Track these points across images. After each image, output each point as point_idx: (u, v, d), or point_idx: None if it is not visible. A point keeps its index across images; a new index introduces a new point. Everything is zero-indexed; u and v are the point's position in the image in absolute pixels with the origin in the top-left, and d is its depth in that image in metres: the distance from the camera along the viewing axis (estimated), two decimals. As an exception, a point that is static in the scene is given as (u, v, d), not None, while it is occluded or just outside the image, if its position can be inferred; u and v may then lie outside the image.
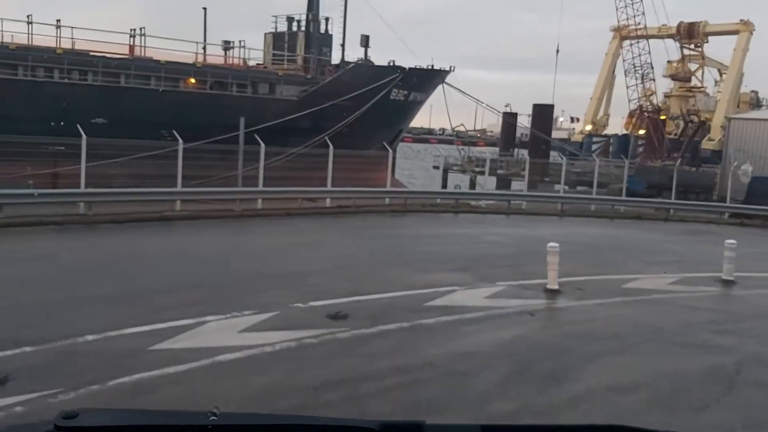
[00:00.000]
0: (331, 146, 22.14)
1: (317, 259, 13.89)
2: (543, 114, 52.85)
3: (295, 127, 32.26)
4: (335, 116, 34.66)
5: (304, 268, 12.76)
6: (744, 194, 30.68)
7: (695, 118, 50.79)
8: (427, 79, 41.51)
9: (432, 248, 15.96)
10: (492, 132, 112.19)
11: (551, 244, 11.89)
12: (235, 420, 1.76)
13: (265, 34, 43.06)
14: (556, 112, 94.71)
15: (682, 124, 60.63)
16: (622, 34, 59.95)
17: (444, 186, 53.32)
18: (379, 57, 41.27)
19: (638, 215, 26.90)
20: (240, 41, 38.02)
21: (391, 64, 40.63)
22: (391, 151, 26.85)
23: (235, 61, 39.29)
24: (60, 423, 1.62)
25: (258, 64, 41.97)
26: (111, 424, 1.78)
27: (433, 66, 42.32)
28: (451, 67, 42.92)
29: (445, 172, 56.56)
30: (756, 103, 75.50)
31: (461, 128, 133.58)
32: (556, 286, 11.81)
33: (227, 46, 40.37)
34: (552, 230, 21.21)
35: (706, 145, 56.42)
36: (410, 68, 40.91)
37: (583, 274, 13.37)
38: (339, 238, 17.02)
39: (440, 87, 42.64)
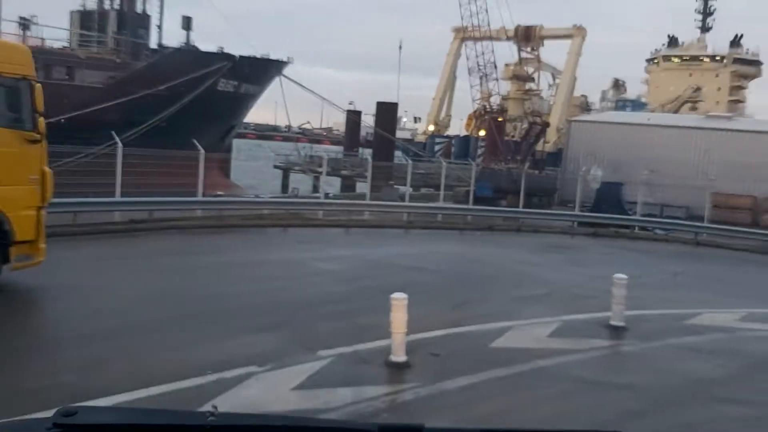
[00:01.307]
0: (119, 144, 17.00)
1: (54, 325, 9.17)
2: (387, 112, 49.71)
3: (101, 120, 26.52)
4: (151, 108, 29.18)
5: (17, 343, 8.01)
6: (592, 200, 28.90)
7: (539, 120, 49.73)
8: (260, 70, 36.78)
9: (241, 287, 11.56)
10: (338, 130, 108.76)
11: (396, 296, 7.97)
12: (233, 420, 1.74)
13: (71, 12, 36.41)
14: (400, 113, 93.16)
15: (520, 126, 60.37)
16: (463, 34, 58.43)
17: (284, 189, 48.99)
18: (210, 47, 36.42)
19: (489, 226, 23.99)
20: (32, 17, 31.43)
21: (220, 51, 35.53)
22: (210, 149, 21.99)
23: (35, 41, 32.54)
24: (59, 420, 1.61)
25: (64, 47, 35.35)
26: (109, 422, 1.75)
27: (268, 56, 37.65)
28: (288, 58, 38.53)
29: (286, 172, 52.17)
30: (586, 107, 77.76)
31: (308, 126, 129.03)
32: (403, 357, 7.92)
33: (25, 22, 33.48)
34: (398, 249, 17.53)
35: (541, 147, 56.10)
36: (241, 57, 36.01)
37: (439, 325, 9.61)
38: (112, 275, 11.98)
39: (278, 80, 38.15)
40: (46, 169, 10.31)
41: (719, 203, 36.87)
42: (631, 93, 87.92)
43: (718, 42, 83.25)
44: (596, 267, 16.91)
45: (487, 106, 55.64)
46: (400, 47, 76.92)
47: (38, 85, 10.03)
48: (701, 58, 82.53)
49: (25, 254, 10.03)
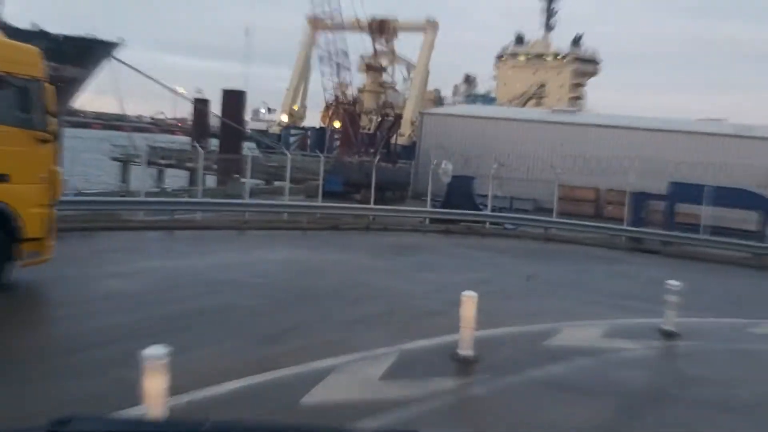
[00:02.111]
0: None
1: None
2: (233, 101, 46.17)
3: None
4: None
5: None
6: (444, 195, 27.45)
7: (391, 112, 48.19)
8: (85, 52, 32.32)
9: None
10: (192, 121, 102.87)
11: (150, 353, 5.34)
12: (228, 428, 1.71)
13: None
14: (258, 104, 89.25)
15: (375, 118, 58.87)
16: (316, 24, 55.92)
17: (124, 181, 44.46)
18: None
19: (335, 225, 21.72)
20: None
21: (36, 28, 30.78)
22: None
23: None
24: (53, 428, 1.61)
25: None
26: (103, 431, 1.71)
27: (95, 36, 33.24)
28: (119, 39, 34.26)
29: (126, 165, 47.38)
30: (439, 101, 77.93)
31: (161, 116, 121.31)
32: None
33: None
34: (223, 258, 14.75)
35: (397, 140, 54.90)
36: (65, 37, 31.44)
37: (235, 373, 7.13)
38: None
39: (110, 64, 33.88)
40: (56, 168, 10.56)
41: (564, 195, 37.02)
42: (483, 89, 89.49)
43: (560, 41, 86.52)
44: (446, 272, 15.09)
45: (341, 97, 53.54)
46: (247, 33, 73.24)
47: (49, 86, 10.30)
48: (545, 56, 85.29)
49: (35, 251, 10.23)
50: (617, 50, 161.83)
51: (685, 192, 24.13)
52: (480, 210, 26.23)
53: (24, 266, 10.14)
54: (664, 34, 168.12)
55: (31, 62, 10.20)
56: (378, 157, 36.39)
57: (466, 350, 8.36)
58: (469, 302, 8.43)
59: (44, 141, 10.18)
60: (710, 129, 35.84)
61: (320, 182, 26.29)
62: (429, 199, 25.75)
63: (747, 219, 25.14)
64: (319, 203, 23.87)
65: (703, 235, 22.29)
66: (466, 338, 8.39)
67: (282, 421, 2.89)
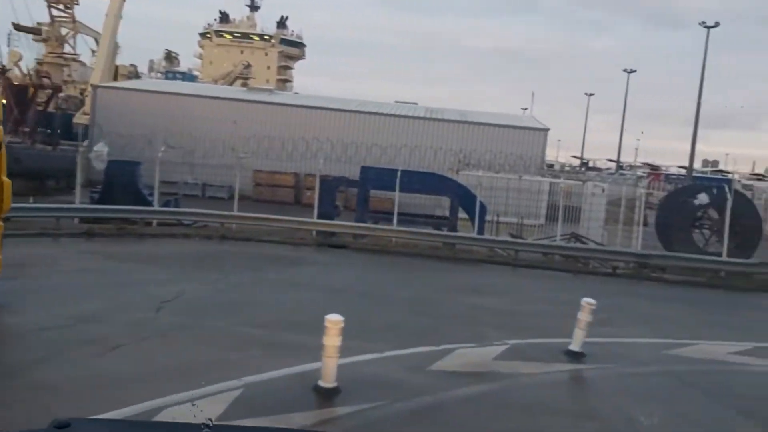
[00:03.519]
0: None
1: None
2: None
3: None
4: None
5: None
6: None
7: (47, 82, 39.68)
8: None
9: None
10: None
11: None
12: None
13: None
14: None
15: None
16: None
17: None
18: None
19: None
20: None
21: None
22: None
23: None
24: (53, 431, 1.52)
25: None
26: None
27: None
28: None
29: None
30: (135, 77, 69.39)
31: None
32: None
33: None
34: None
35: (80, 119, 46.31)
36: None
37: None
38: None
39: None
40: (5, 179, 9.76)
41: (262, 181, 33.12)
42: (187, 66, 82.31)
43: (266, 22, 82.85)
44: (41, 304, 9.79)
45: (8, 66, 43.37)
46: None
47: None
48: (251, 36, 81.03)
49: None
50: (327, 36, 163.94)
51: (378, 177, 21.47)
52: (149, 203, 20.90)
53: None
54: (373, 25, 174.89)
55: None
56: (31, 138, 28.88)
57: None
58: None
59: None
60: (403, 111, 34.54)
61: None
62: (78, 192, 19.76)
63: (443, 205, 23.43)
64: None
65: (396, 226, 19.71)
66: None
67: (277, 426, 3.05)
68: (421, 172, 23.30)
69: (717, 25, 47.18)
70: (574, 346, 9.56)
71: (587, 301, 9.44)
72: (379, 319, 10.90)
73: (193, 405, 5.98)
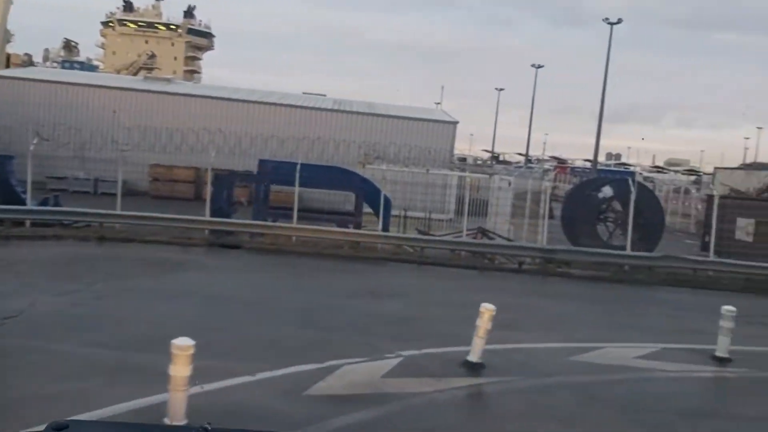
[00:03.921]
0: None
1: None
2: None
3: None
4: None
5: None
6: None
7: None
8: None
9: None
10: None
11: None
12: None
13: None
14: None
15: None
16: None
17: None
18: None
19: None
20: None
21: None
22: None
23: None
24: None
25: None
26: None
27: None
28: None
29: None
30: (30, 66, 64.71)
31: None
32: None
33: None
34: None
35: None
36: None
37: None
38: None
39: None
40: None
41: (159, 176, 30.98)
42: (86, 56, 77.58)
43: (173, 11, 79.19)
44: None
45: None
46: None
47: None
48: (157, 25, 77.26)
49: None
50: (237, 27, 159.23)
51: (277, 171, 20.04)
52: (22, 201, 18.70)
53: None
54: (287, 17, 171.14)
55: None
56: None
57: None
58: None
59: None
60: (310, 103, 33.12)
61: None
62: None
63: (349, 200, 22.23)
64: None
65: (296, 224, 18.37)
66: None
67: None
68: (323, 165, 22.07)
69: (620, 21, 48.18)
70: (473, 357, 8.61)
71: (486, 307, 8.50)
72: (260, 333, 9.60)
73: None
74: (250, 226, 18.50)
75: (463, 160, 57.39)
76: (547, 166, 65.52)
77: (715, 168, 31.37)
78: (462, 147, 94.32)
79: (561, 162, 73.53)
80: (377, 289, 13.75)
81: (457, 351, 8.92)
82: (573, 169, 59.79)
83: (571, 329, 11.33)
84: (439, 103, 65.20)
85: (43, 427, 1.57)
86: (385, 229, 19.72)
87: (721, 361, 9.75)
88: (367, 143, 29.28)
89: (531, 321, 11.72)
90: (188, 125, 29.08)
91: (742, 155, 75.57)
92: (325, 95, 39.74)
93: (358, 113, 32.29)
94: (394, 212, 21.59)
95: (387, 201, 19.69)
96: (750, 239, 20.18)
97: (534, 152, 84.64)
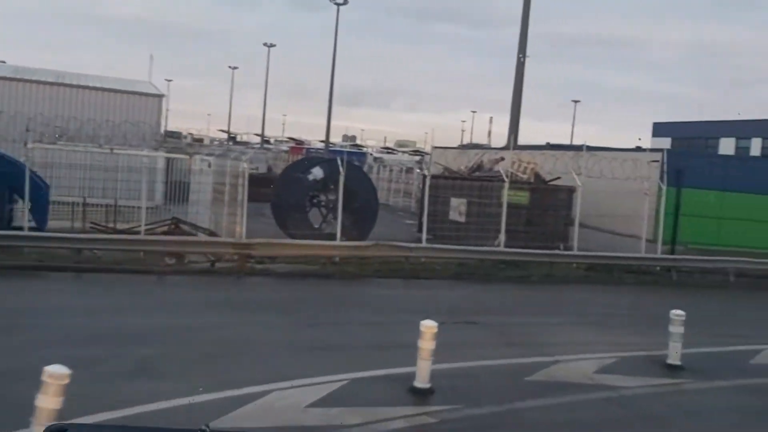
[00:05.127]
0: None
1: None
2: None
3: None
4: None
5: None
6: None
7: None
8: None
9: None
10: None
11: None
12: None
13: None
14: None
15: None
16: None
17: None
18: None
19: None
20: None
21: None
22: None
23: None
24: None
25: None
26: None
27: None
28: None
29: None
30: None
31: None
32: None
33: None
34: None
35: None
36: None
37: None
38: None
39: None
40: None
41: None
42: None
43: None
44: None
45: None
46: None
47: None
48: None
49: None
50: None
51: None
52: None
53: None
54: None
55: None
56: None
57: None
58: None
59: None
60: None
61: None
62: None
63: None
64: None
65: None
66: None
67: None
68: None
69: (346, 2, 47.03)
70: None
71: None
72: None
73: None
74: None
75: (176, 136, 52.34)
76: (283, 147, 63.20)
77: (433, 147, 30.96)
78: (200, 126, 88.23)
79: (299, 143, 71.76)
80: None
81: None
82: (308, 150, 58.03)
83: (232, 364, 8.12)
84: (171, 80, 58.97)
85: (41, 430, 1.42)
86: (41, 225, 14.93)
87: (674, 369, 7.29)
88: (47, 117, 23.46)
89: (174, 359, 8.22)
90: None
91: (460, 137, 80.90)
92: (4, 62, 32.27)
93: (39, 83, 26.12)
94: (71, 199, 17.11)
95: (39, 186, 14.83)
96: (463, 219, 19.08)
97: (273, 133, 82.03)
